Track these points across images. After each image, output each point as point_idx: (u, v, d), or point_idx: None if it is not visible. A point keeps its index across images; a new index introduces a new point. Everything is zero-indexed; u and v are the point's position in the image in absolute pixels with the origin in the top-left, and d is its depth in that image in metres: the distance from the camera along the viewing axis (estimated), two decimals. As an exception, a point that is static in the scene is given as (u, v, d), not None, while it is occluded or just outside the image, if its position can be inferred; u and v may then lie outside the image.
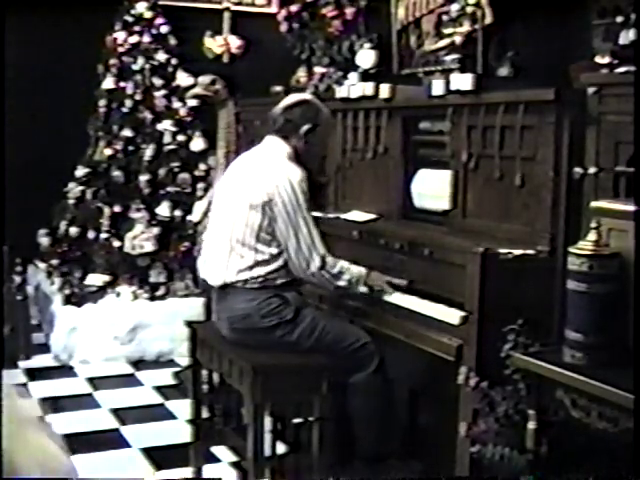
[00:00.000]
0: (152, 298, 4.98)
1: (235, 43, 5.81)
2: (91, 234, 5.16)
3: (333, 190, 3.99)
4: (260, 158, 3.02)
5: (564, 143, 2.73)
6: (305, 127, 2.99)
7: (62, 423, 3.80)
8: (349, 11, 4.76)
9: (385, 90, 3.55)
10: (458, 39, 3.57)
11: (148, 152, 5.25)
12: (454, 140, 3.17)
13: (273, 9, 5.69)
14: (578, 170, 2.59)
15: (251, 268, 2.90)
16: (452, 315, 2.71)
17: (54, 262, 5.15)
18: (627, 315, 2.09)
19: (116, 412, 4.01)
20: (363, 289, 3.01)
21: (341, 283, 2.95)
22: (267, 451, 2.98)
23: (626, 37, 2.64)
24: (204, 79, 4.25)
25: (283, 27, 5.41)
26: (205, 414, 3.28)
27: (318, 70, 4.91)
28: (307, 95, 3.22)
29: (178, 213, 5.24)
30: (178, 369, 4.62)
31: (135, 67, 5.32)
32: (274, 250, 2.90)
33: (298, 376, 2.87)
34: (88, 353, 4.74)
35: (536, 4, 3.28)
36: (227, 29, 5.83)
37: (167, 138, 5.31)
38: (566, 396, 2.07)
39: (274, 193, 2.85)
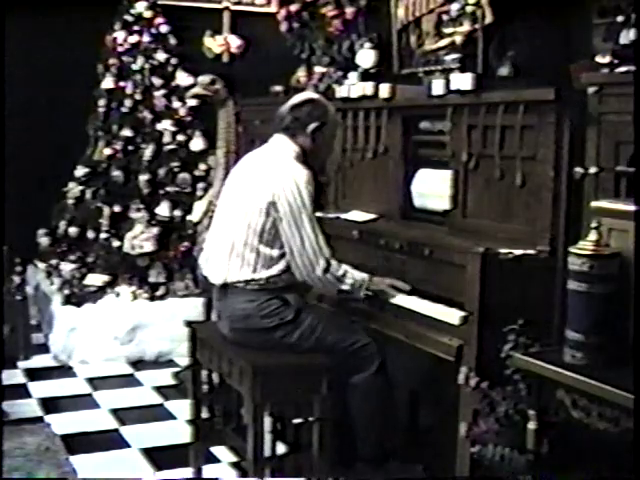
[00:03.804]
0: (152, 298, 4.98)
1: (235, 43, 5.81)
2: (91, 234, 5.16)
3: (333, 190, 3.99)
4: (266, 158, 3.02)
5: (564, 143, 2.73)
6: (312, 125, 3.00)
7: (62, 423, 3.80)
8: (349, 11, 4.74)
9: (385, 90, 3.55)
10: (458, 39, 3.56)
11: (148, 152, 5.25)
12: (454, 140, 3.17)
13: (273, 9, 5.67)
14: (578, 170, 2.59)
15: (253, 270, 2.90)
16: (452, 315, 2.71)
17: (53, 262, 5.15)
18: (627, 315, 2.08)
19: (116, 412, 4.01)
20: (364, 293, 2.98)
21: (344, 287, 2.93)
22: (267, 451, 2.98)
23: (627, 37, 2.63)
24: (204, 79, 4.24)
25: (283, 27, 5.39)
26: (205, 414, 3.28)
27: (318, 70, 4.90)
28: (315, 94, 3.23)
29: (178, 213, 5.24)
30: (178, 369, 4.62)
31: (135, 67, 5.32)
32: (275, 252, 2.90)
33: (298, 376, 2.87)
34: (87, 353, 4.73)
35: (536, 4, 3.27)
36: (227, 29, 5.83)
37: (167, 138, 5.32)
38: (566, 396, 2.07)
39: (279, 194, 2.85)
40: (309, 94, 3.26)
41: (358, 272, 2.97)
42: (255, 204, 2.88)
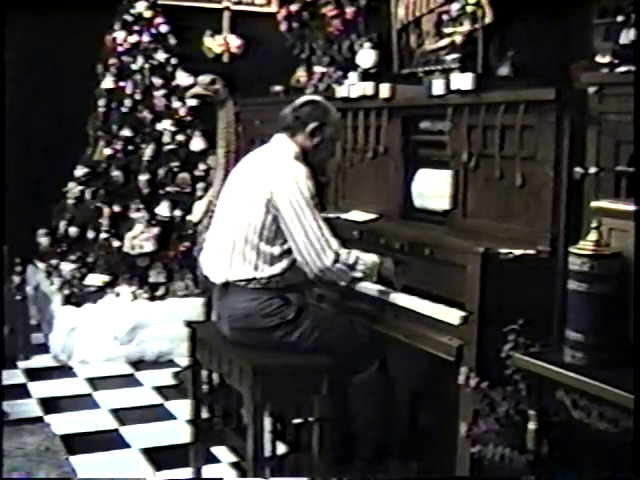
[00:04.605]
0: (152, 298, 4.98)
1: (235, 42, 5.81)
2: (91, 234, 5.16)
3: (333, 190, 3.99)
4: (265, 157, 3.04)
5: (564, 143, 2.73)
6: (312, 125, 3.01)
7: (62, 423, 3.80)
8: (349, 10, 4.75)
9: (385, 90, 3.55)
10: (458, 39, 3.56)
11: (148, 152, 5.25)
12: (454, 140, 3.17)
13: (273, 8, 5.69)
14: (579, 170, 2.59)
15: (254, 268, 2.90)
16: (452, 315, 2.71)
17: (53, 262, 5.15)
18: (627, 315, 2.08)
19: (116, 412, 4.00)
20: (375, 286, 2.98)
21: (356, 274, 2.92)
22: (267, 451, 2.97)
23: (627, 37, 2.63)
24: (204, 78, 4.24)
25: (283, 26, 5.40)
26: (205, 414, 3.28)
27: (318, 70, 4.91)
28: (318, 96, 3.24)
29: (178, 213, 5.24)
30: (178, 369, 4.62)
31: (134, 67, 5.32)
32: (276, 250, 2.90)
33: (298, 376, 2.87)
34: (87, 353, 4.73)
35: (536, 4, 3.28)
36: (227, 28, 5.83)
37: (167, 138, 5.31)
38: (567, 396, 2.07)
39: (278, 191, 2.85)
40: (311, 96, 3.27)
41: (369, 255, 2.96)
42: (254, 202, 2.89)
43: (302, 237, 2.85)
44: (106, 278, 4.97)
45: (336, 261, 2.86)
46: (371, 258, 2.96)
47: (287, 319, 2.89)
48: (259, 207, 2.88)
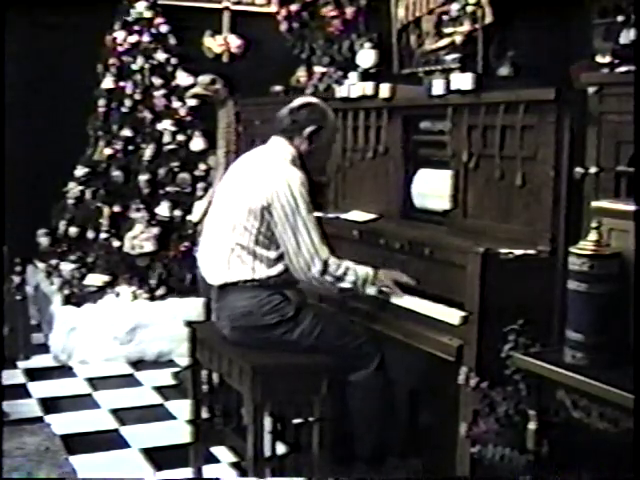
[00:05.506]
0: (152, 298, 4.98)
1: (235, 42, 5.81)
2: (90, 234, 5.16)
3: (333, 190, 3.99)
4: (261, 160, 3.02)
5: (565, 143, 2.73)
6: (310, 128, 3.00)
7: (62, 423, 3.80)
8: (349, 10, 4.75)
9: (385, 90, 3.55)
10: (458, 39, 3.56)
11: (148, 152, 5.25)
12: (454, 140, 3.17)
13: (273, 8, 5.68)
14: (579, 170, 2.59)
15: (251, 269, 2.90)
16: (452, 315, 2.71)
17: (53, 262, 5.15)
18: (627, 315, 2.08)
19: (116, 412, 4.01)
20: (371, 291, 2.95)
21: (345, 285, 2.91)
22: (267, 451, 2.97)
23: (627, 37, 2.63)
24: (204, 78, 4.24)
25: (283, 26, 5.40)
26: (205, 414, 3.28)
27: (318, 70, 4.91)
28: (314, 98, 3.23)
29: (178, 213, 5.24)
30: (178, 369, 4.62)
31: (135, 67, 5.32)
32: (273, 254, 2.90)
33: (298, 376, 2.87)
34: (87, 353, 4.73)
35: (536, 4, 3.28)
36: (227, 28, 5.83)
37: (167, 138, 5.32)
38: (567, 396, 2.07)
39: (272, 198, 2.85)
40: (309, 98, 3.26)
41: (362, 267, 2.94)
42: (250, 208, 2.88)
43: (293, 246, 2.85)
44: (106, 278, 4.97)
45: (324, 272, 2.86)
46: (363, 270, 2.94)
47: (287, 316, 2.90)
48: (255, 214, 2.87)
